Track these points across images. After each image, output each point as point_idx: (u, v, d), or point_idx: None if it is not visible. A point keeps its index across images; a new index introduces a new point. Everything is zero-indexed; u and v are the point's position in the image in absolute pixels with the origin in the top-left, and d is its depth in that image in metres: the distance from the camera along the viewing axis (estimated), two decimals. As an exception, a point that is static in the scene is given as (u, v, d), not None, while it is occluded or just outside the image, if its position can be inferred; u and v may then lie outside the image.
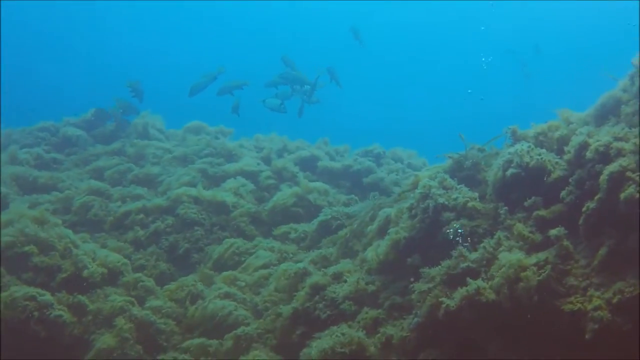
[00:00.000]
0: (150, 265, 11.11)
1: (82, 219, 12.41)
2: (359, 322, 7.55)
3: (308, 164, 15.37)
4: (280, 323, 8.45)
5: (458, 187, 7.94)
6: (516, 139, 8.25)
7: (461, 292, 6.38)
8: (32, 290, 8.82)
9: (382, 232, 8.97)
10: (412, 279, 7.36)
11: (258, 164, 14.79)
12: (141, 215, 12.34)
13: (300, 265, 9.39)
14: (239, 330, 8.62)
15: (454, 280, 6.65)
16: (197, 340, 8.86)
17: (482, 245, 6.77)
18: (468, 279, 6.43)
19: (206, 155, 15.32)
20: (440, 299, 6.49)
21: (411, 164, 15.94)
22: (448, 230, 7.34)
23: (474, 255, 6.70)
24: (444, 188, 7.90)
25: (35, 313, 8.61)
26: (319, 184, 13.73)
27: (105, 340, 8.73)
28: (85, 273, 9.59)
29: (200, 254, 11.75)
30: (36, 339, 8.59)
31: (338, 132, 19.14)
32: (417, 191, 8.01)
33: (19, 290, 8.74)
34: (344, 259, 9.61)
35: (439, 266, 6.89)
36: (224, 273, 10.62)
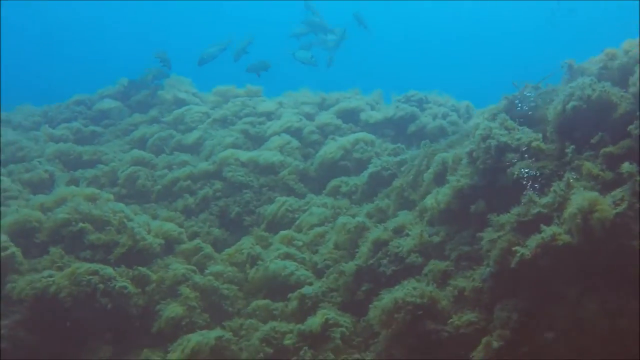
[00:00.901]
0: (204, 232, 11.09)
1: (130, 191, 12.45)
2: (426, 275, 7.40)
3: (349, 116, 15.03)
4: (344, 281, 8.37)
5: (520, 127, 7.63)
6: (573, 73, 7.90)
7: (535, 239, 6.15)
8: (93, 265, 8.84)
9: (439, 178, 8.78)
10: (478, 228, 7.20)
11: (300, 119, 14.54)
12: (188, 182, 12.30)
13: (359, 219, 9.25)
14: (304, 290, 8.53)
15: (525, 227, 6.42)
16: (261, 302, 8.83)
17: (552, 188, 6.48)
18: (541, 225, 6.20)
19: (245, 115, 15.11)
20: (513, 248, 6.28)
21: (455, 106, 15.44)
22: (514, 173, 7.05)
23: (545, 200, 6.43)
24: (506, 129, 7.58)
25: (101, 285, 8.60)
26: (364, 135, 13.43)
27: (173, 309, 8.73)
28: (143, 244, 9.56)
29: (252, 216, 11.68)
30: (104, 311, 8.57)
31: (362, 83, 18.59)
32: (477, 132, 7.70)
33: (81, 265, 8.74)
34: (401, 211, 9.46)
35: (508, 213, 6.65)
36: (281, 233, 10.53)
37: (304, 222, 10.84)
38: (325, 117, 14.62)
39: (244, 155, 12.83)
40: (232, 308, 9.04)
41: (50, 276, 8.60)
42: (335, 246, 9.51)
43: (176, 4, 58.03)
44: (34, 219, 9.82)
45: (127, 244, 9.44)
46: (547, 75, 8.62)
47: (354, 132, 14.15)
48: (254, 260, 9.78)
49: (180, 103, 16.69)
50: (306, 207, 11.38)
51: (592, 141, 6.76)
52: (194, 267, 9.48)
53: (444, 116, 14.53)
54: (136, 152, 13.70)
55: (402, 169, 10.78)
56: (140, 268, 9.21)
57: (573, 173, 6.56)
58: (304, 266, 9.40)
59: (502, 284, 6.47)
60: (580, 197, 5.96)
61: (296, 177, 12.47)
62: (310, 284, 8.94)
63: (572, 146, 6.85)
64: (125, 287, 8.82)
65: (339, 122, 14.51)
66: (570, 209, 5.99)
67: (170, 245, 10.10)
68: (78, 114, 17.16)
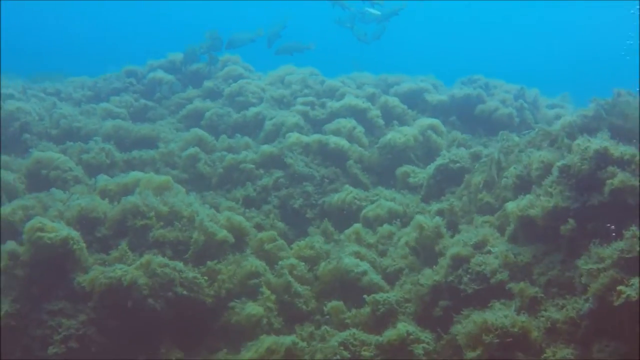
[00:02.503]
0: (268, 225, 10.90)
1: (190, 176, 12.26)
2: (513, 300, 7.15)
3: (413, 98, 14.67)
4: (421, 294, 8.13)
5: (617, 144, 7.23)
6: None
7: (642, 281, 5.88)
8: (163, 260, 8.67)
9: (521, 183, 8.49)
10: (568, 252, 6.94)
11: (363, 102, 14.20)
12: (250, 167, 12.10)
13: (438, 220, 8.96)
14: (378, 296, 8.29)
15: (629, 264, 6.14)
16: (335, 304, 8.57)
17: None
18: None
19: (306, 95, 14.83)
20: (618, 287, 6.00)
21: (521, 92, 14.91)
22: (613, 184, 6.73)
23: (653, 238, 6.13)
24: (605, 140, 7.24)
25: (175, 274, 8.49)
26: (431, 121, 13.08)
27: (253, 308, 8.51)
28: (217, 238, 9.38)
29: (314, 210, 11.47)
30: (180, 301, 8.45)
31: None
32: (574, 143, 7.37)
33: (152, 258, 8.59)
34: (475, 215, 9.23)
35: (610, 247, 6.35)
36: (353, 226, 10.30)
37: (372, 214, 10.61)
38: (390, 100, 14.24)
39: (310, 138, 12.57)
40: (305, 306, 8.82)
41: (123, 268, 8.42)
42: (407, 248, 9.29)
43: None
44: (101, 209, 9.70)
45: (200, 239, 9.26)
46: None
47: (419, 117, 13.86)
48: (325, 256, 9.55)
49: (236, 77, 16.47)
50: (375, 199, 11.13)
51: None
52: (265, 264, 9.25)
53: (513, 102, 14.10)
54: (195, 132, 13.46)
55: (477, 165, 10.42)
56: (209, 262, 9.04)
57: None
58: (375, 269, 9.19)
59: (602, 322, 6.21)
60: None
61: (360, 167, 12.23)
62: (382, 288, 8.74)
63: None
64: (197, 278, 8.68)
65: (403, 106, 14.11)
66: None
67: (240, 238, 9.86)
68: (129, 85, 17.02)
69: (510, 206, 8.16)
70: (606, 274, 6.20)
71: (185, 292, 8.47)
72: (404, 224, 10.28)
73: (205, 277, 8.83)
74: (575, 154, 7.26)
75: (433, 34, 56.70)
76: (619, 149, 7.05)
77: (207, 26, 20.25)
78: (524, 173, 8.59)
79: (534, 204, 7.67)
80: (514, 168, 8.77)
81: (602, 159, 7.06)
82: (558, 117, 13.16)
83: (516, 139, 10.20)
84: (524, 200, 7.89)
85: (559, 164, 7.46)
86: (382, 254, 9.74)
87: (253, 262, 9.08)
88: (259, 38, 16.59)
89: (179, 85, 16.89)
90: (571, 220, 7.08)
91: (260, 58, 17.88)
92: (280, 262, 9.27)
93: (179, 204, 9.56)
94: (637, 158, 6.91)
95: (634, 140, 7.62)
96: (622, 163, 6.96)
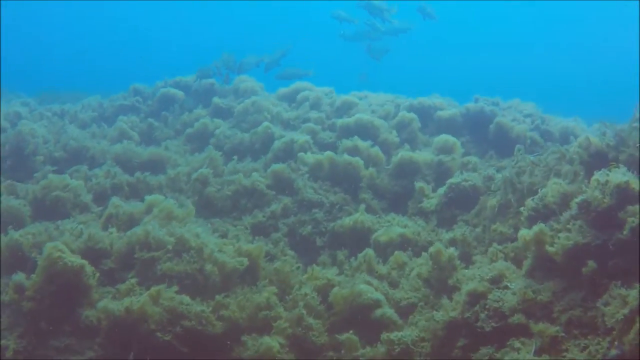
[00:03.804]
0: (279, 253, 10.71)
1: (197, 201, 12.06)
2: (534, 340, 6.93)
3: (422, 114, 14.57)
4: (436, 332, 7.92)
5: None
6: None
7: (669, 325, 5.68)
8: (169, 292, 8.52)
9: (536, 215, 8.31)
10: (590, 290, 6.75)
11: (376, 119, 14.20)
12: (260, 187, 11.94)
13: (452, 251, 8.79)
14: (393, 335, 8.08)
15: (655, 308, 5.95)
16: (349, 336, 8.33)
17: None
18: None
19: (316, 118, 14.75)
20: (644, 334, 5.80)
21: (531, 113, 14.79)
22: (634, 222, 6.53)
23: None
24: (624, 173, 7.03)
25: (184, 308, 8.31)
26: (446, 138, 12.95)
27: (265, 342, 8.26)
28: (226, 270, 9.22)
29: (323, 238, 11.28)
30: (189, 335, 8.25)
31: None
32: (592, 179, 7.19)
33: (163, 291, 8.43)
34: (488, 247, 9.06)
35: (634, 289, 6.15)
36: (363, 254, 10.07)
37: (384, 238, 10.44)
38: (407, 116, 14.13)
39: (322, 156, 12.49)
40: (318, 339, 8.59)
41: (132, 301, 8.26)
42: (419, 279, 9.09)
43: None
44: (107, 240, 9.58)
45: (212, 271, 9.10)
46: None
47: (431, 134, 13.76)
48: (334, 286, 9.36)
49: (249, 94, 16.43)
50: (383, 226, 10.97)
51: None
52: (275, 297, 9.04)
53: (525, 121, 13.97)
54: (201, 156, 13.34)
55: (492, 186, 10.27)
56: (218, 297, 8.84)
57: None
58: (388, 302, 8.99)
59: (628, 366, 6.01)
60: None
61: (371, 193, 12.06)
62: (396, 323, 8.54)
63: None
64: (205, 312, 8.48)
65: (417, 123, 13.99)
66: None
67: (251, 268, 9.69)
68: (136, 104, 16.94)
69: (524, 233, 7.94)
70: (631, 317, 5.99)
71: (194, 326, 8.28)
72: (416, 254, 10.09)
73: (215, 311, 8.62)
74: (595, 189, 7.06)
75: (437, 53, 56.70)
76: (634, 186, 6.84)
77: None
78: (539, 205, 8.39)
79: (549, 235, 7.49)
80: (531, 200, 8.56)
81: (623, 193, 6.85)
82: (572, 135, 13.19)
83: (530, 158, 10.03)
84: (538, 228, 7.68)
85: (578, 200, 7.25)
86: (394, 285, 9.52)
87: (264, 295, 8.88)
88: (263, 63, 16.90)
89: (190, 102, 16.83)
90: (591, 262, 6.86)
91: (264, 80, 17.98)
92: (292, 292, 9.07)
93: (187, 235, 9.34)
94: None
95: None
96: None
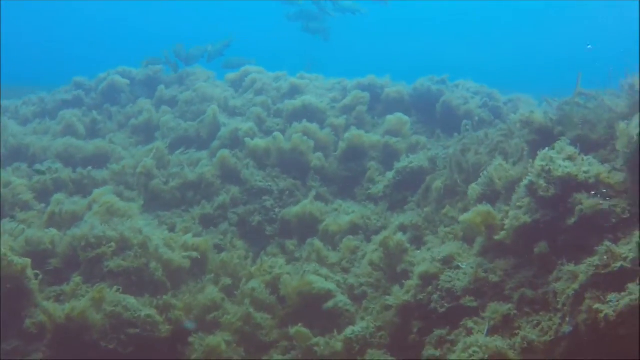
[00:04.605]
0: (228, 245, 10.47)
1: (143, 194, 11.71)
2: (487, 319, 6.84)
3: (370, 94, 14.40)
4: (392, 320, 7.77)
5: (584, 156, 6.97)
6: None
7: (619, 299, 5.59)
8: (115, 295, 8.22)
9: (486, 197, 8.19)
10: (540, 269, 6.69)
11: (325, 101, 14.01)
12: (204, 184, 11.63)
13: (400, 236, 8.66)
14: (349, 332, 7.85)
15: (605, 281, 5.87)
16: (300, 330, 8.08)
17: (634, 239, 5.89)
18: (628, 285, 5.64)
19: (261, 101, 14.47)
20: (594, 306, 5.73)
21: (480, 90, 14.71)
22: (582, 210, 6.46)
23: (627, 253, 5.83)
24: (569, 159, 6.94)
25: (129, 314, 8.01)
26: (398, 118, 12.77)
27: (211, 341, 8.07)
28: (172, 267, 8.99)
29: (274, 225, 11.07)
30: (135, 340, 7.96)
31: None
32: (536, 163, 7.08)
33: (105, 294, 8.07)
34: (439, 227, 8.97)
35: (584, 264, 6.08)
36: (310, 243, 9.94)
37: (332, 228, 10.27)
38: (352, 95, 13.96)
39: (267, 142, 12.22)
40: (267, 338, 8.42)
41: (73, 307, 7.94)
42: (371, 266, 8.97)
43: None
44: (48, 240, 9.25)
45: (157, 269, 8.85)
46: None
47: (381, 114, 13.63)
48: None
49: (194, 82, 16.13)
50: (332, 215, 10.80)
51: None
52: (223, 296, 8.86)
53: (472, 99, 13.89)
54: (146, 148, 12.97)
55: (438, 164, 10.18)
56: (165, 297, 8.59)
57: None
58: (341, 290, 8.83)
59: (581, 343, 5.93)
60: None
61: (318, 177, 11.85)
62: (350, 312, 8.40)
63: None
64: (150, 316, 8.19)
65: (363, 107, 13.80)
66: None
67: (198, 262, 9.46)
68: (79, 96, 16.46)
69: (469, 217, 7.81)
70: (581, 294, 5.92)
71: (139, 332, 8.02)
72: (367, 238, 9.97)
73: (161, 313, 8.36)
74: (539, 177, 6.95)
75: (388, 35, 56.58)
76: (582, 171, 6.72)
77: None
78: (487, 190, 8.30)
79: (498, 218, 7.41)
80: (477, 185, 8.47)
81: (567, 183, 6.75)
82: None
83: (475, 135, 9.96)
84: (486, 210, 7.59)
85: (524, 183, 7.14)
86: (346, 271, 9.38)
87: (210, 293, 8.71)
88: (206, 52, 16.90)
89: (137, 91, 16.47)
90: (543, 243, 6.79)
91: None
92: (240, 287, 8.87)
93: (128, 232, 9.03)
94: (602, 177, 6.64)
95: (600, 150, 7.37)
96: (587, 186, 6.66)
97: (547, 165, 6.89)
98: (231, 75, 16.81)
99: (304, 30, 19.23)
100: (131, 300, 8.22)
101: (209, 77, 17.13)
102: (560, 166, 6.81)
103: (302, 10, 19.03)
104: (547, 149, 7.13)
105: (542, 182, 6.91)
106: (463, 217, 7.87)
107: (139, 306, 8.18)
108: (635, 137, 6.39)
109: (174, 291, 8.83)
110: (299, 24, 19.42)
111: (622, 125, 6.72)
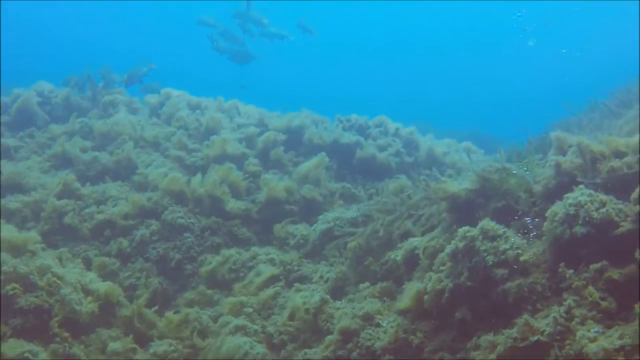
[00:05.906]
0: (142, 284, 10.20)
1: (56, 227, 11.24)
2: (405, 383, 6.90)
3: (292, 136, 14.29)
4: (311, 373, 7.74)
5: (504, 234, 6.88)
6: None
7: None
8: (20, 344, 7.92)
9: (409, 263, 8.31)
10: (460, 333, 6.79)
11: (241, 143, 13.81)
12: (122, 222, 11.29)
13: (317, 297, 8.63)
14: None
15: (522, 353, 6.01)
16: None
17: (551, 314, 6.02)
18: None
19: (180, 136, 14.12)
20: (513, 379, 5.85)
21: (398, 132, 14.68)
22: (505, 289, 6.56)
23: (544, 327, 5.97)
24: (489, 239, 6.82)
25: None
26: (310, 170, 12.68)
27: None
28: (77, 314, 8.68)
29: (194, 264, 10.87)
30: None
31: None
32: (457, 241, 6.97)
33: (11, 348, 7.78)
34: (361, 282, 9.02)
35: (502, 335, 6.18)
36: (229, 299, 9.77)
37: (252, 281, 10.17)
38: (267, 138, 13.86)
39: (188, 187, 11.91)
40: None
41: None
42: (291, 318, 8.89)
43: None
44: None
45: (60, 313, 8.52)
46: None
47: (298, 160, 13.57)
48: (202, 332, 9.05)
49: (112, 107, 15.61)
50: (251, 264, 10.64)
51: (594, 267, 6.21)
52: (135, 346, 8.61)
53: (390, 145, 14.00)
54: (60, 178, 12.33)
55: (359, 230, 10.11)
56: (75, 348, 8.29)
57: (574, 296, 6.10)
58: (257, 338, 8.74)
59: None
60: (595, 346, 5.50)
61: (239, 221, 11.70)
62: (266, 361, 8.32)
63: (571, 271, 6.35)
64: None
65: (280, 150, 13.74)
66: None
67: (109, 307, 9.20)
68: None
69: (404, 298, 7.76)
70: (500, 364, 6.04)
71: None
72: (288, 284, 9.95)
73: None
74: (461, 241, 6.97)
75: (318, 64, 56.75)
76: (502, 245, 6.75)
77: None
78: (411, 256, 8.37)
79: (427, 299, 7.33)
80: (395, 255, 8.60)
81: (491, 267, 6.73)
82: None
83: (395, 199, 9.90)
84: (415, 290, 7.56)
85: (448, 250, 7.10)
86: (267, 318, 9.31)
87: (116, 347, 8.56)
88: (151, 72, 16.54)
89: (57, 111, 15.78)
90: (464, 308, 6.85)
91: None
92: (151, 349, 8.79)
93: (33, 274, 8.67)
94: (519, 256, 6.71)
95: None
96: (507, 264, 6.69)
97: (469, 243, 6.90)
98: (152, 99, 16.30)
99: (231, 59, 19.07)
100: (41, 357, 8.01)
101: (131, 102, 16.58)
102: (480, 251, 6.79)
103: (223, 31, 18.92)
104: (467, 227, 7.05)
105: (464, 269, 6.88)
106: (399, 305, 7.77)
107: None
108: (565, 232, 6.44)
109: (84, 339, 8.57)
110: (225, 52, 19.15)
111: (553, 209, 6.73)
